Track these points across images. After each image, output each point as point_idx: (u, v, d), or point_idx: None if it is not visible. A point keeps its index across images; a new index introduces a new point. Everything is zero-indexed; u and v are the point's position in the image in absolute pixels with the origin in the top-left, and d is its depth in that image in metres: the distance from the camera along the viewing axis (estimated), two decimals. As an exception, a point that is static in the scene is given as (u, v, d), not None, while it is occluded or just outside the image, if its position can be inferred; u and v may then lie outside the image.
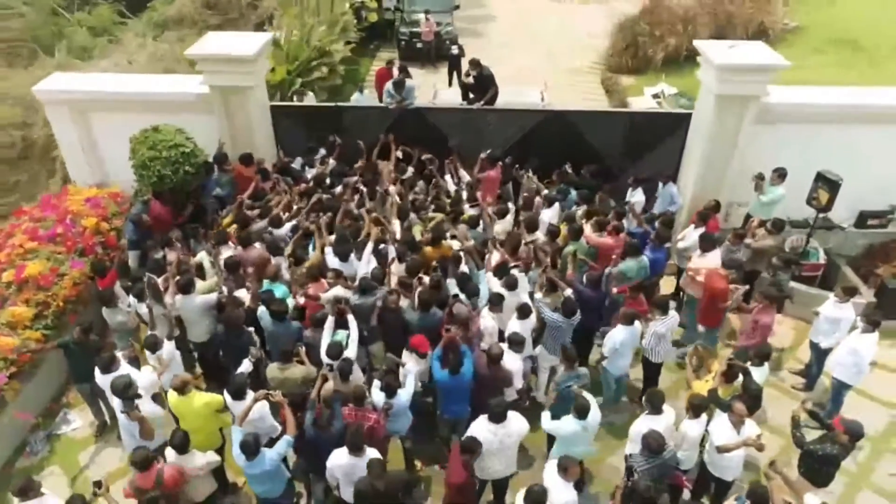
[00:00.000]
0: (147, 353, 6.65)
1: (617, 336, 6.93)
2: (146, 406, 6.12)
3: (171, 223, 8.35)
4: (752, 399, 6.09)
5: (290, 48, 13.06)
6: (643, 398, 6.38)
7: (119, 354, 6.52)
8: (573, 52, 18.43)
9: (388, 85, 9.58)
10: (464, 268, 7.68)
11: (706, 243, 7.94)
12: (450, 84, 15.95)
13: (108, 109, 9.17)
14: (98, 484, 5.58)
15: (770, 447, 6.48)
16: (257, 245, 7.77)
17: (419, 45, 17.22)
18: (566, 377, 6.49)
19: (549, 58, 18.07)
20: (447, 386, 6.41)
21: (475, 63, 9.92)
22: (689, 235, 8.64)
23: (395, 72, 12.84)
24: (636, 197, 9.34)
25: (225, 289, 7.28)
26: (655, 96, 14.57)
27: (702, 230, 8.51)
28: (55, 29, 16.53)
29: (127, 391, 5.84)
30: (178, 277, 7.21)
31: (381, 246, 7.80)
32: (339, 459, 5.64)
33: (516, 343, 6.68)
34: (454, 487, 5.67)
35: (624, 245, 7.98)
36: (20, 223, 8.49)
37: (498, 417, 5.72)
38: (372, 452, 5.67)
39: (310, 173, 9.34)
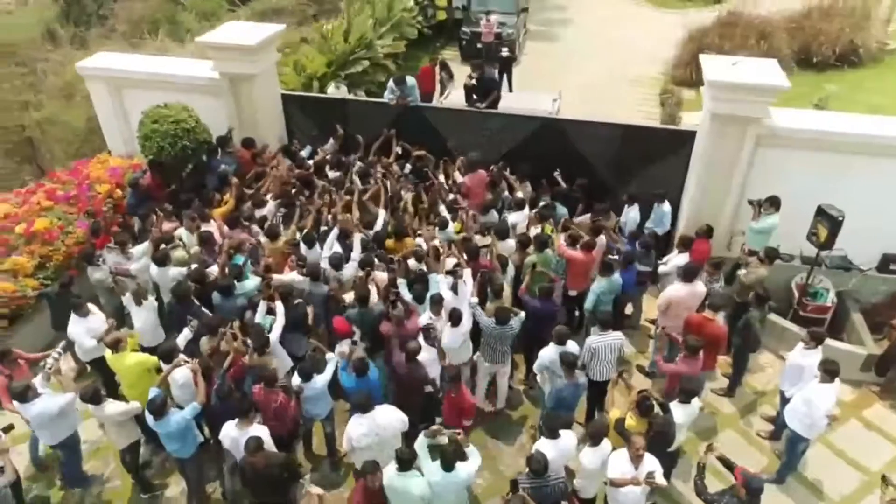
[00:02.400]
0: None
1: (545, 354, 6.71)
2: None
3: (162, 194, 8.99)
4: (658, 435, 5.73)
5: (333, 41, 13.53)
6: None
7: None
8: (641, 62, 17.72)
9: (391, 81, 9.77)
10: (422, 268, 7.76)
11: (687, 274, 7.47)
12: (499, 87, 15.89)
13: (137, 87, 10.00)
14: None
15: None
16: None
17: (479, 45, 17.25)
18: (563, 385, 6.34)
19: (616, 66, 17.51)
20: (353, 391, 6.44)
21: (477, 66, 9.88)
22: (671, 261, 8.21)
23: (437, 71, 13.13)
24: (630, 214, 8.97)
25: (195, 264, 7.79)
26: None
27: (685, 256, 8.09)
28: (169, 13, 18.09)
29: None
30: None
31: (349, 239, 8.01)
32: (228, 430, 5.93)
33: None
34: None
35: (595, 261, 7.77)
36: (45, 184, 9.48)
37: (363, 409, 5.86)
38: (257, 429, 5.90)
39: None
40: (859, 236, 7.95)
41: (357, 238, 7.92)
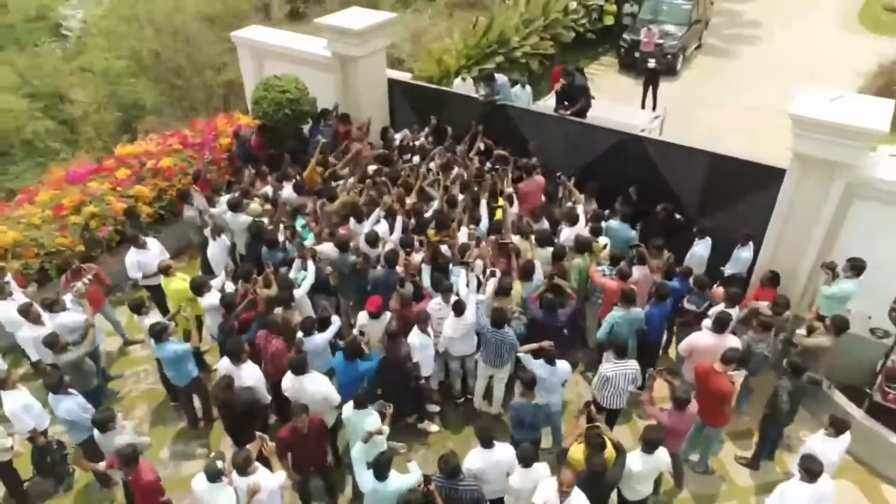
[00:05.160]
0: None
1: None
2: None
3: (263, 154, 10.09)
4: (592, 476, 5.37)
5: (476, 35, 13.90)
6: None
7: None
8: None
9: (463, 79, 9.95)
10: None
11: (717, 323, 6.78)
12: (643, 101, 15.12)
13: (273, 57, 11.25)
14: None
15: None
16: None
17: (636, 54, 16.52)
18: (519, 403, 6.27)
19: (789, 92, 15.63)
20: (338, 371, 6.81)
21: (568, 72, 9.59)
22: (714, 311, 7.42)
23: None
24: (697, 249, 8.23)
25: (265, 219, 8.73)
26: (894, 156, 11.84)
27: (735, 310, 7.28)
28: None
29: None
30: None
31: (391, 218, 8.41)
32: (223, 363, 6.65)
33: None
34: None
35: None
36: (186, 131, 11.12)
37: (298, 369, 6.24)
38: (249, 367, 6.55)
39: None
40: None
41: (399, 220, 8.29)
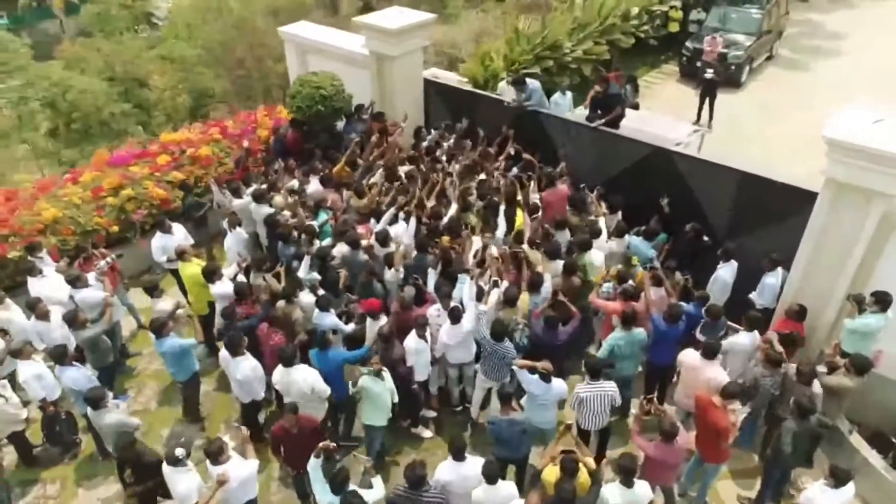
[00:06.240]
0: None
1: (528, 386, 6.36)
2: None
3: (297, 149, 10.25)
4: (559, 500, 5.15)
5: (525, 39, 13.67)
6: None
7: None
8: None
9: (502, 84, 9.75)
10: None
11: (706, 351, 6.44)
12: (698, 114, 14.48)
13: (316, 53, 11.45)
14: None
15: None
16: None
17: (698, 63, 15.82)
18: (496, 417, 6.17)
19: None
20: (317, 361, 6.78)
21: (604, 79, 9.25)
22: (735, 339, 6.99)
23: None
24: (721, 273, 7.79)
25: (287, 212, 8.88)
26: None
27: (751, 336, 6.86)
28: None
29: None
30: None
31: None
32: (224, 354, 6.78)
33: None
34: None
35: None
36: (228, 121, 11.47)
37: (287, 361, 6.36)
38: (247, 359, 6.68)
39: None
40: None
41: (412, 222, 8.24)
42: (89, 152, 14.78)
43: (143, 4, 21.47)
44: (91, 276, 7.84)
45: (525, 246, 7.82)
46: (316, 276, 7.81)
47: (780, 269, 7.55)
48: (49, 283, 7.74)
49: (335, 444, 5.80)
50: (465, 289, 7.28)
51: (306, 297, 7.46)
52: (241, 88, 17.77)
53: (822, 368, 6.62)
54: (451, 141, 10.11)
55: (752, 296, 7.72)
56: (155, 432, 7.55)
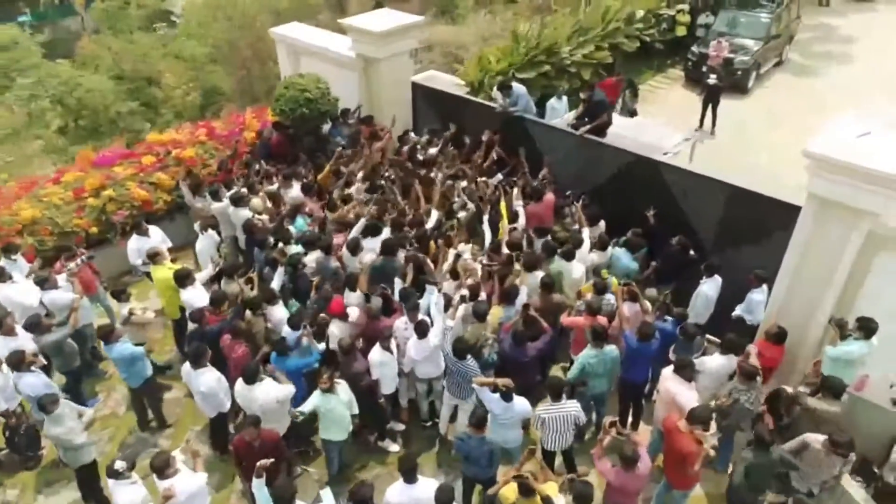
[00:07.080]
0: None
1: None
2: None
3: (280, 153, 10.10)
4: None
5: (523, 42, 13.40)
6: None
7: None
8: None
9: (495, 89, 9.53)
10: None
11: (678, 368, 6.21)
12: (701, 120, 14.14)
13: (307, 54, 11.32)
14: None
15: None
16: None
17: (704, 68, 15.45)
18: (463, 434, 6.03)
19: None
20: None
21: (589, 86, 9.01)
22: (708, 361, 6.70)
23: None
24: (703, 289, 7.51)
25: (265, 216, 8.75)
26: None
27: (727, 359, 6.57)
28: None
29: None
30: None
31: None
32: (185, 367, 6.68)
33: None
34: None
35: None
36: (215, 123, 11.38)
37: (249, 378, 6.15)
38: (209, 370, 6.56)
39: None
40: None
41: (385, 231, 8.05)
42: (98, 149, 14.92)
43: (158, 2, 21.58)
44: (61, 278, 7.77)
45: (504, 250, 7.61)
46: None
47: (765, 287, 7.27)
48: (18, 289, 7.63)
49: (275, 462, 5.62)
50: (432, 300, 7.10)
51: (279, 312, 7.30)
52: (245, 88, 17.77)
53: (804, 388, 6.35)
54: (437, 147, 9.93)
55: (742, 314, 7.43)
56: (121, 437, 7.45)
